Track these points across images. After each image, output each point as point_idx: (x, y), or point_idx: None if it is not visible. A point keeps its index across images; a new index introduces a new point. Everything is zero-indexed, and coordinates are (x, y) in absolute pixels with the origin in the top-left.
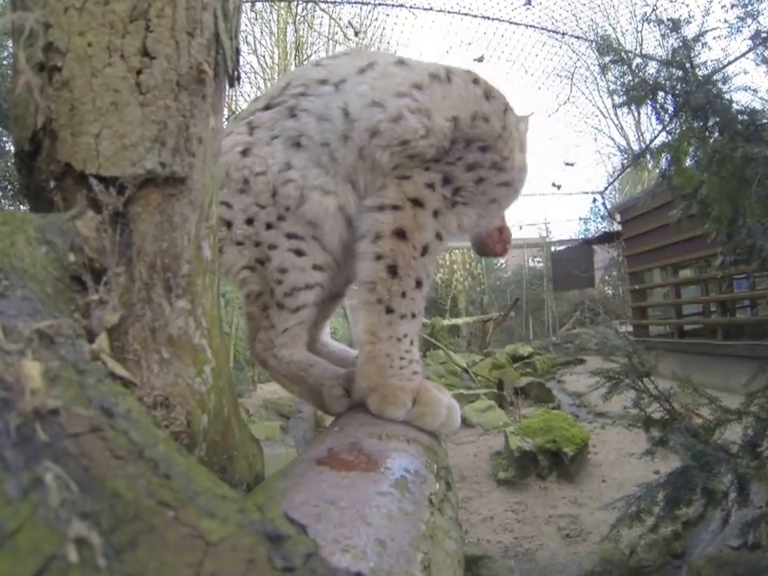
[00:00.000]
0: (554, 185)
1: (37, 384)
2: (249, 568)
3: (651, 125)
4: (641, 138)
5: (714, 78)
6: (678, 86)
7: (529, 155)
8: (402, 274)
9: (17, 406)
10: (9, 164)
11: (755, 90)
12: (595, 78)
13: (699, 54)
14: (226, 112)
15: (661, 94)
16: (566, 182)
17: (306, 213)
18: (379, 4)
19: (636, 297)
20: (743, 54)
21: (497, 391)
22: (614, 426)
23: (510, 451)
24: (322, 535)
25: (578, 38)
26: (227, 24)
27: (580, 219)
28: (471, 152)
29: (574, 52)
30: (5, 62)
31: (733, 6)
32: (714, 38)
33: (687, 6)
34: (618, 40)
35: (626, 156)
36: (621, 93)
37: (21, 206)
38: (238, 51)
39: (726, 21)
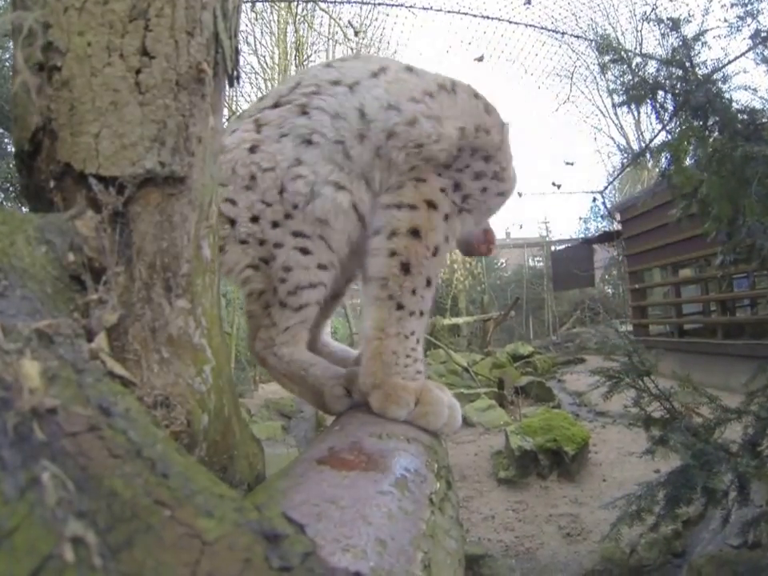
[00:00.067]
0: (553, 184)
1: (35, 383)
2: (245, 567)
3: (651, 124)
4: (640, 137)
5: (714, 77)
6: (678, 85)
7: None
8: (414, 272)
9: (15, 405)
10: (11, 166)
11: (755, 90)
12: (595, 77)
13: (699, 53)
14: (226, 112)
15: (660, 93)
16: (566, 182)
17: (315, 209)
18: (379, 4)
19: (636, 296)
20: (743, 54)
21: (497, 390)
22: (615, 425)
23: (511, 450)
24: (323, 535)
25: (577, 37)
26: (226, 23)
27: (580, 218)
28: (476, 161)
29: (573, 51)
30: (7, 64)
31: (733, 5)
32: (714, 37)
33: (687, 5)
34: (618, 39)
35: (625, 155)
36: (620, 92)
37: (23, 208)
38: (237, 51)
39: (725, 20)
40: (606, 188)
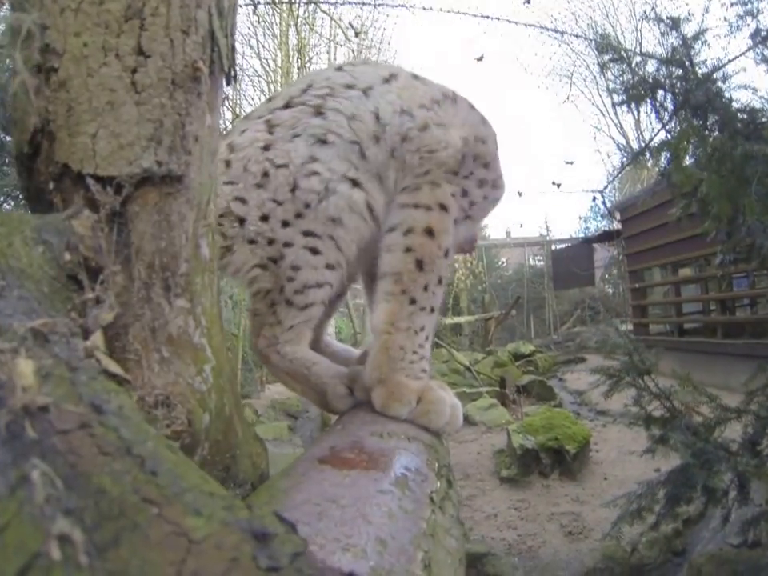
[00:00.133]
0: (554, 183)
1: (29, 381)
2: (232, 567)
3: (651, 123)
4: (640, 136)
5: (714, 76)
6: (678, 85)
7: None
8: (427, 269)
9: (7, 403)
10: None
11: (755, 89)
12: (594, 76)
13: (699, 52)
14: (229, 115)
15: (660, 92)
16: (566, 181)
17: (329, 207)
18: (379, 4)
19: (636, 295)
20: (743, 53)
21: (499, 389)
22: (615, 424)
23: (513, 449)
24: (323, 534)
25: (577, 36)
26: (222, 22)
27: (580, 218)
28: (478, 168)
29: (573, 51)
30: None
31: (732, 4)
32: (714, 36)
33: (687, 4)
34: (618, 38)
35: (625, 154)
36: (620, 91)
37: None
38: (233, 49)
39: (725, 19)
40: (605, 187)
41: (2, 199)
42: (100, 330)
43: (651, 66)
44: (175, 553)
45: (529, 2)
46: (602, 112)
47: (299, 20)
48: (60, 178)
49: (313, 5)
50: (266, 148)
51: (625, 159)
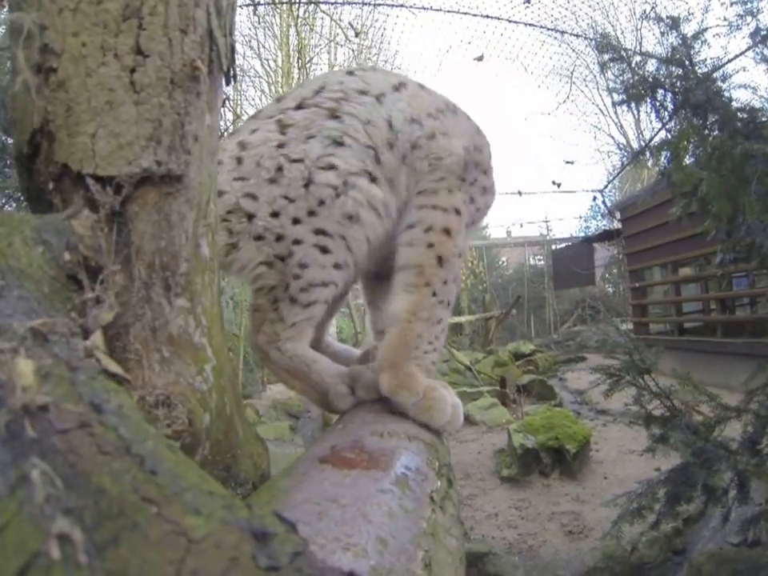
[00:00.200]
0: (554, 183)
1: (28, 381)
2: (231, 566)
3: (651, 123)
4: (640, 135)
5: (714, 75)
6: (678, 84)
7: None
8: (446, 266)
9: (7, 402)
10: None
11: (755, 88)
12: (595, 76)
13: (699, 51)
14: (231, 115)
15: (660, 91)
16: (566, 180)
17: (346, 203)
18: (379, 4)
19: (636, 294)
20: (743, 52)
21: (499, 389)
22: (615, 424)
23: (513, 448)
24: (324, 533)
25: (577, 36)
26: (221, 20)
27: (580, 217)
28: (480, 175)
29: (573, 50)
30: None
31: (732, 3)
32: (714, 35)
33: (687, 3)
34: (618, 38)
35: (625, 154)
36: (620, 91)
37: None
38: (233, 48)
39: (725, 18)
40: (605, 187)
41: (3, 201)
42: (100, 330)
43: (651, 66)
44: (174, 552)
45: (529, 2)
46: (602, 111)
47: (299, 20)
48: (59, 178)
49: (313, 5)
50: (281, 146)
51: (625, 159)
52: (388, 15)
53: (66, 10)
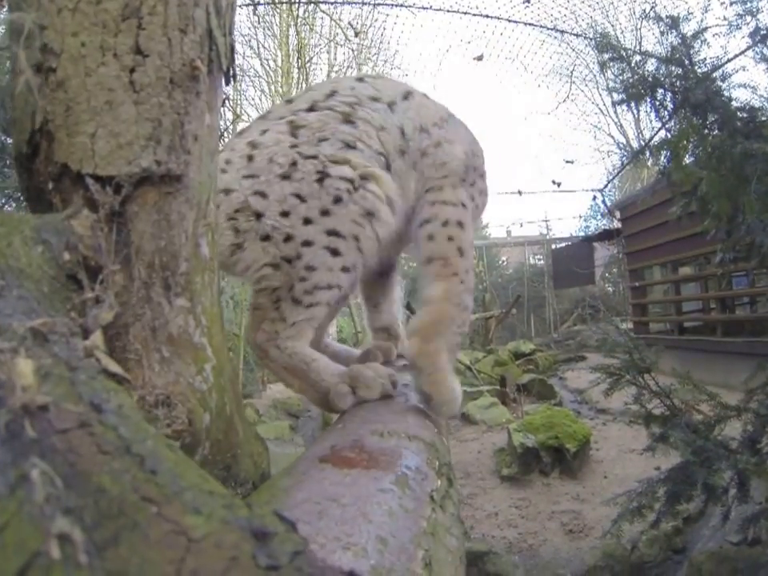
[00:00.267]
0: (554, 182)
1: (28, 381)
2: (231, 565)
3: (651, 122)
4: (640, 135)
5: (714, 75)
6: (678, 83)
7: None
8: (466, 255)
9: (7, 402)
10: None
11: (754, 88)
12: (594, 75)
13: (698, 51)
14: (231, 115)
15: (660, 91)
16: (566, 180)
17: (365, 197)
18: (379, 4)
19: (636, 294)
20: (742, 52)
21: (499, 388)
22: (615, 423)
23: (513, 448)
24: (324, 533)
25: (577, 35)
26: (220, 20)
27: (580, 217)
28: (478, 178)
29: (573, 50)
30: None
31: (732, 3)
32: (714, 35)
33: (686, 2)
34: (617, 37)
35: (625, 153)
36: (620, 90)
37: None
38: (232, 48)
39: (725, 18)
40: (605, 186)
41: (3, 201)
42: (100, 330)
43: (651, 65)
44: (174, 551)
45: (529, 1)
46: (602, 111)
47: (299, 20)
48: (59, 178)
49: (313, 5)
50: (293, 147)
51: (625, 158)
52: (388, 15)
53: (65, 10)
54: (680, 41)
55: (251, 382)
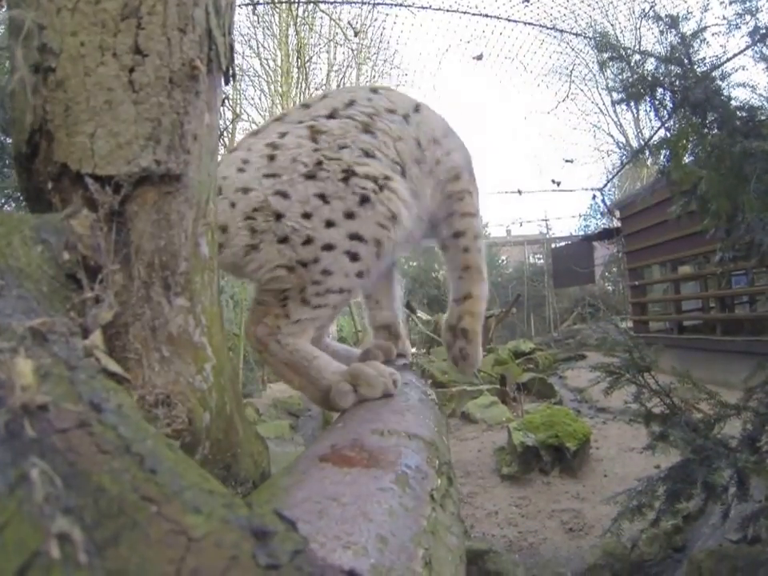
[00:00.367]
0: (553, 182)
1: (28, 380)
2: (231, 564)
3: (650, 121)
4: (640, 134)
5: (713, 74)
6: (677, 83)
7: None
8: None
9: (7, 402)
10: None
11: (754, 87)
12: (594, 75)
13: (698, 50)
14: (230, 114)
15: (659, 90)
16: (566, 179)
17: (390, 198)
18: (378, 4)
19: (636, 293)
20: (742, 51)
21: (499, 387)
22: (615, 421)
23: (513, 446)
24: (324, 532)
25: (576, 35)
26: (219, 20)
27: (580, 216)
28: (474, 181)
29: (572, 49)
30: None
31: (731, 2)
32: (713, 34)
33: (686, 2)
34: (617, 37)
35: (625, 153)
36: (619, 89)
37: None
38: (232, 47)
39: (724, 17)
40: (605, 185)
41: (2, 201)
42: (99, 329)
43: (650, 64)
44: (174, 551)
45: (528, 1)
46: (601, 110)
47: (298, 20)
48: (59, 178)
49: (312, 4)
50: (316, 150)
51: (624, 157)
52: (387, 14)
53: (64, 10)
54: (679, 40)
55: (251, 382)
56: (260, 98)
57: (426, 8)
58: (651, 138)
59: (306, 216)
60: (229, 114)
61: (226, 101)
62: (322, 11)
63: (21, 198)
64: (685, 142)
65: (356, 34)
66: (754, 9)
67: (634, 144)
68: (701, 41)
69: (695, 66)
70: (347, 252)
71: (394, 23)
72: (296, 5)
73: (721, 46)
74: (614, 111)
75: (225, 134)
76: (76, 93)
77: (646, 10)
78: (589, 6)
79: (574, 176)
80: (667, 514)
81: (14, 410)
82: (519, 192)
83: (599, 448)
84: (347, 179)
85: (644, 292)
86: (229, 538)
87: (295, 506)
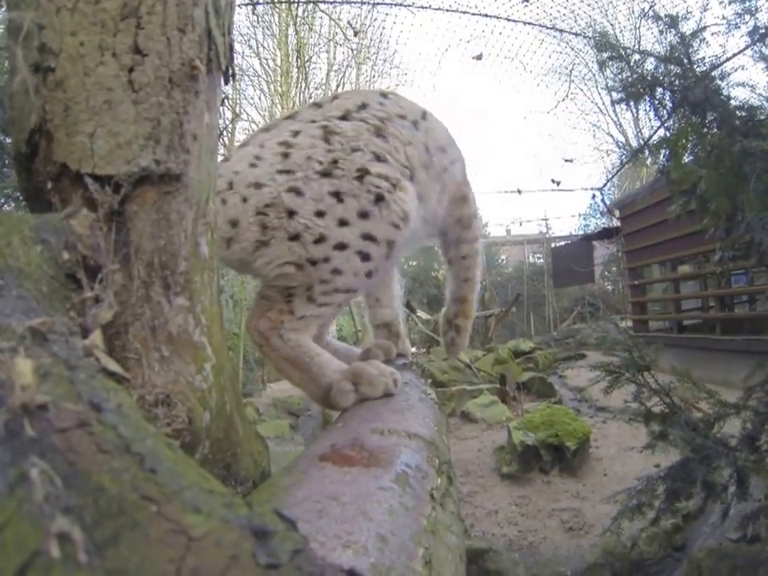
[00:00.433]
0: (553, 181)
1: (28, 380)
2: (231, 564)
3: (650, 121)
4: (639, 134)
5: (712, 73)
6: (676, 82)
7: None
8: None
9: (6, 401)
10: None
11: (753, 86)
12: (593, 74)
13: (697, 50)
14: (230, 114)
15: (659, 90)
16: (566, 179)
17: (403, 198)
18: (378, 3)
19: (635, 292)
20: (741, 51)
21: (499, 386)
22: (615, 421)
23: (513, 446)
24: (324, 531)
25: (576, 34)
26: (219, 20)
27: (579, 215)
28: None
29: (572, 49)
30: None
31: (731, 1)
32: (712, 34)
33: (685, 1)
34: (616, 36)
35: (624, 152)
36: (619, 89)
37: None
38: (231, 47)
39: (724, 17)
40: (605, 185)
41: (2, 201)
42: (99, 329)
43: (650, 64)
44: (174, 550)
45: (528, 1)
46: (601, 110)
47: (298, 19)
48: (58, 178)
49: (312, 4)
50: (330, 151)
51: (624, 157)
52: (387, 14)
53: (63, 10)
54: (679, 40)
55: (251, 381)
56: (259, 98)
57: (426, 8)
58: (651, 137)
59: (320, 214)
60: (228, 114)
61: (226, 100)
62: (322, 11)
63: (20, 197)
64: (684, 141)
65: (356, 34)
66: (753, 8)
67: (634, 143)
68: (700, 40)
69: (695, 66)
70: (359, 252)
71: (394, 23)
72: (296, 5)
73: (720, 45)
74: (614, 111)
75: (224, 133)
76: (75, 93)
77: (646, 10)
78: (588, 5)
79: (573, 175)
80: (667, 513)
81: (13, 410)
82: (519, 191)
83: (599, 447)
84: (362, 177)
85: (644, 291)
86: (229, 537)
87: (295, 505)
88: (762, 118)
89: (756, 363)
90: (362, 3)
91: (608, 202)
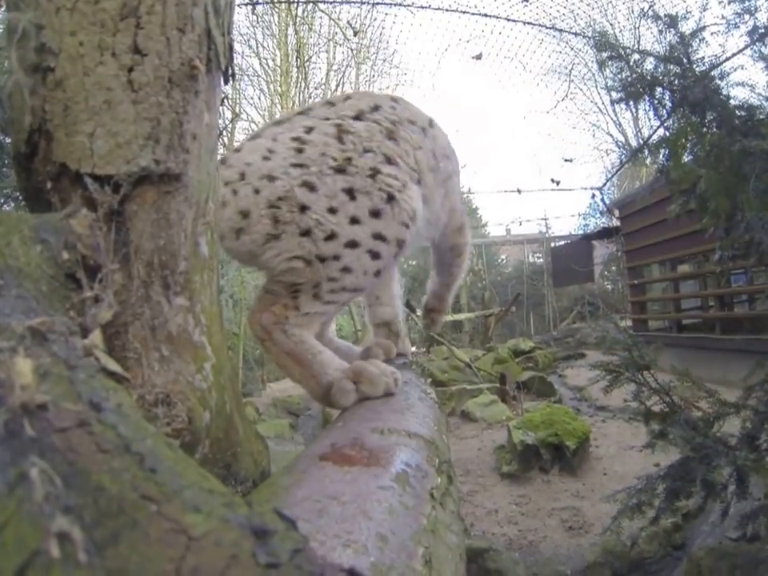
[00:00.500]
0: (553, 180)
1: (27, 380)
2: (231, 563)
3: (649, 120)
4: (639, 133)
5: (712, 73)
6: (676, 82)
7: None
8: None
9: (6, 401)
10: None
11: (752, 86)
12: (593, 74)
13: (697, 49)
14: (230, 114)
15: (659, 89)
16: (565, 178)
17: (412, 197)
18: (378, 3)
19: (635, 291)
20: (741, 50)
21: (499, 386)
22: (615, 420)
23: (513, 445)
24: (324, 530)
25: (575, 34)
26: (218, 19)
27: (579, 215)
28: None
29: (571, 48)
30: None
31: (730, 1)
32: (712, 33)
33: (685, 1)
34: (616, 36)
35: (624, 152)
36: (619, 89)
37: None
38: (231, 47)
39: (723, 17)
40: (604, 184)
41: (1, 201)
42: (99, 329)
43: (649, 64)
44: (174, 550)
45: (527, 0)
46: (600, 109)
47: (298, 19)
48: (58, 178)
49: (311, 4)
50: (343, 151)
51: (624, 156)
52: (386, 14)
53: (63, 9)
54: (678, 39)
55: (251, 381)
56: (259, 98)
57: (426, 8)
58: (650, 137)
59: (332, 211)
60: (228, 114)
61: (225, 100)
62: (322, 11)
63: (20, 197)
64: (684, 141)
65: (355, 34)
66: (752, 8)
67: (633, 143)
68: (700, 40)
69: (694, 66)
70: (370, 251)
71: (393, 23)
72: (295, 4)
73: (720, 45)
74: (613, 110)
75: (224, 133)
76: (75, 92)
77: (645, 10)
78: (588, 5)
79: (573, 175)
80: (667, 512)
81: (13, 410)
82: (519, 191)
83: (599, 446)
84: (374, 176)
85: (643, 291)
86: (229, 536)
87: (295, 504)
88: (762, 117)
89: (755, 362)
90: (362, 3)
91: (608, 202)
